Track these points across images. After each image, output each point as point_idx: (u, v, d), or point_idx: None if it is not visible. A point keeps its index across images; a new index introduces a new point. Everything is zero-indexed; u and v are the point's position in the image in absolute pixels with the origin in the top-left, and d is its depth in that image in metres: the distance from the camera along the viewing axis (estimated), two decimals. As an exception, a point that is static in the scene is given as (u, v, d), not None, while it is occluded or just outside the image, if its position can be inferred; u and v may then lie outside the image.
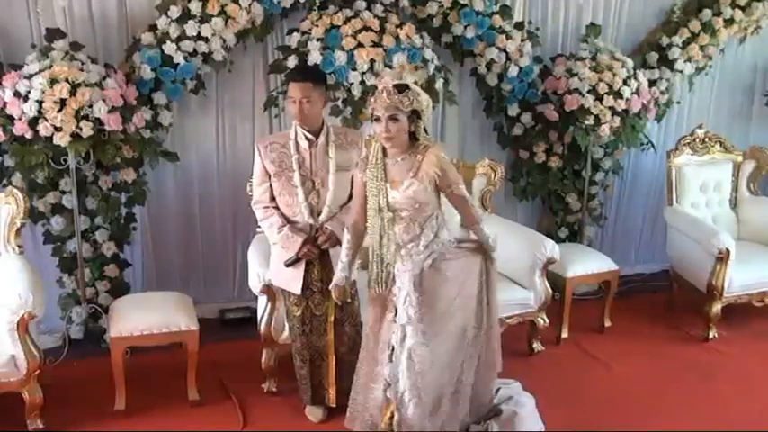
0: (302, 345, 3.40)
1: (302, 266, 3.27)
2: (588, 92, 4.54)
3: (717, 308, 4.35)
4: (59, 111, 3.58)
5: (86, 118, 3.64)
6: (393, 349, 3.04)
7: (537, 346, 4.20)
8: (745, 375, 4.00)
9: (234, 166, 4.49)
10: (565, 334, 4.38)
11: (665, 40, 5.03)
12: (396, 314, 3.02)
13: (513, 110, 4.75)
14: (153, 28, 4.02)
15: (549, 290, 4.04)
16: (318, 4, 4.19)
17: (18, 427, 3.29)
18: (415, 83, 2.95)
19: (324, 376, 3.44)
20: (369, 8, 4.21)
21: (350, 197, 3.31)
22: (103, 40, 4.13)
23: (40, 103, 3.59)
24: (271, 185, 3.28)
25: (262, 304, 3.64)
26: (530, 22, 4.82)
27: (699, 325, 4.44)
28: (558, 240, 4.69)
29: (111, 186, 4.09)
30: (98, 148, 3.80)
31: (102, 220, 4.10)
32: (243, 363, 3.87)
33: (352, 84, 4.05)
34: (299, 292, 3.30)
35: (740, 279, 4.35)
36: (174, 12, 3.97)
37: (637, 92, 4.62)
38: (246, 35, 4.18)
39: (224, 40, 4.07)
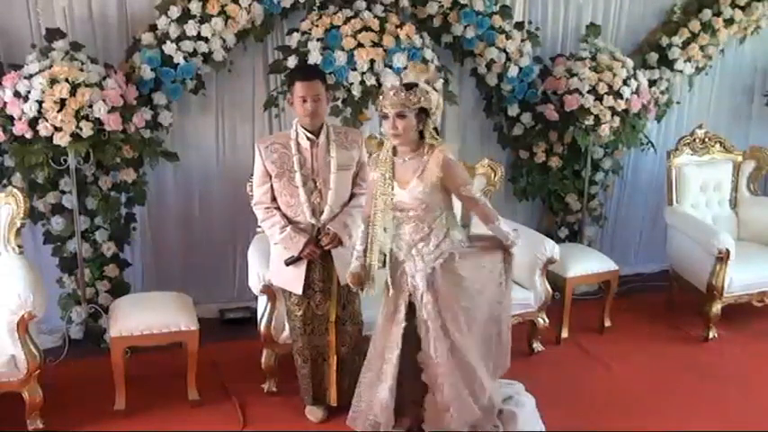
0: (303, 345, 3.39)
1: (303, 266, 3.27)
2: (588, 92, 4.54)
3: (717, 308, 4.35)
4: (59, 111, 3.58)
5: (86, 118, 3.64)
6: (401, 348, 3.07)
7: (537, 346, 4.20)
8: (745, 375, 4.00)
9: (234, 166, 4.49)
10: (565, 334, 4.38)
11: (665, 40, 5.03)
12: (405, 313, 3.06)
13: (513, 110, 4.75)
14: (153, 28, 4.02)
15: (549, 290, 4.05)
16: (318, 4, 4.19)
17: (18, 427, 3.29)
18: (427, 82, 2.96)
19: (325, 376, 3.44)
20: (369, 8, 4.21)
21: (351, 196, 3.32)
22: (103, 40, 4.13)
23: (40, 103, 3.59)
24: (272, 186, 3.28)
25: (262, 304, 3.64)
26: (530, 22, 4.82)
27: (699, 325, 4.44)
28: (558, 240, 4.69)
29: (111, 186, 4.09)
30: (98, 148, 3.79)
31: (102, 220, 4.10)
32: (243, 363, 3.87)
33: (352, 84, 4.05)
34: (300, 292, 3.30)
35: (740, 279, 4.35)
36: (174, 12, 3.97)
37: (637, 92, 4.62)
38: (246, 35, 4.18)
39: (224, 40, 4.07)
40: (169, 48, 3.96)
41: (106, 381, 3.51)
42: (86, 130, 3.64)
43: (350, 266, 3.15)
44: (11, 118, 3.66)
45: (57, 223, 4.01)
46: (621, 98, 4.55)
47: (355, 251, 3.16)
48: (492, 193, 4.33)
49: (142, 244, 4.50)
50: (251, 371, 3.71)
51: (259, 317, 3.65)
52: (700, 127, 4.92)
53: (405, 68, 4.03)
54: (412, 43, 4.13)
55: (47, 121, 3.60)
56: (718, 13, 5.02)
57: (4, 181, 3.97)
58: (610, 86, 4.54)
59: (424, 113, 2.92)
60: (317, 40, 4.06)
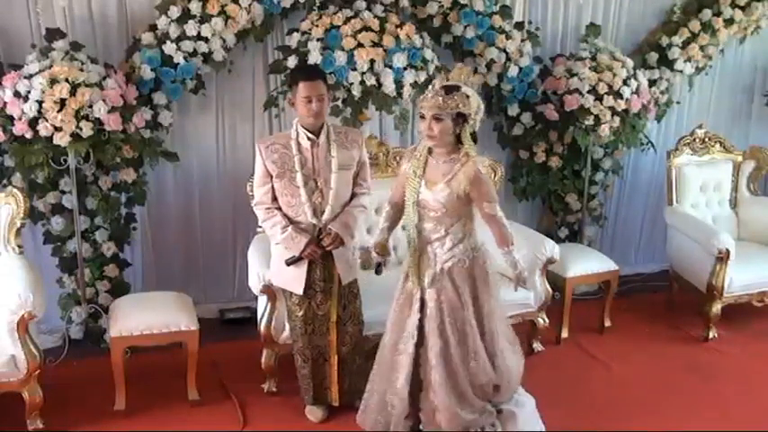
0: (304, 345, 3.39)
1: (304, 267, 3.26)
2: (588, 92, 4.54)
3: (717, 308, 4.35)
4: (59, 111, 3.58)
5: (86, 118, 3.64)
6: (416, 339, 3.11)
7: (537, 346, 4.20)
8: (745, 375, 4.00)
9: (234, 166, 4.49)
10: (565, 334, 4.38)
11: (665, 40, 5.04)
12: (420, 306, 3.10)
13: (513, 110, 4.75)
14: (153, 28, 4.02)
15: (549, 290, 4.05)
16: (318, 4, 4.19)
17: (18, 427, 3.29)
18: (466, 84, 2.99)
19: (326, 376, 3.44)
20: (369, 8, 4.20)
21: (352, 196, 3.32)
22: (103, 40, 4.13)
23: (40, 103, 3.59)
24: (272, 186, 3.27)
25: (262, 304, 3.64)
26: (530, 22, 4.82)
27: (699, 325, 4.44)
28: (558, 240, 4.69)
29: (111, 186, 4.09)
30: (98, 148, 3.79)
31: (102, 220, 4.09)
32: (243, 363, 3.87)
33: (352, 84, 4.05)
34: (301, 292, 3.29)
35: (740, 279, 4.35)
36: (174, 12, 3.97)
37: (637, 92, 4.62)
38: (246, 35, 4.18)
39: (224, 40, 4.07)
40: (169, 48, 3.96)
41: (106, 381, 3.51)
42: (86, 130, 3.64)
43: (376, 237, 3.23)
44: (11, 118, 3.66)
45: (57, 223, 4.01)
46: (621, 98, 4.55)
47: (379, 229, 3.23)
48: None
49: (142, 244, 4.50)
50: (251, 371, 3.71)
51: (259, 317, 3.65)
52: (700, 127, 4.93)
53: (405, 69, 4.05)
54: (412, 43, 4.12)
55: (47, 121, 3.60)
56: (718, 13, 5.03)
57: (4, 181, 3.97)
58: (610, 86, 4.54)
59: (461, 118, 2.93)
60: (317, 40, 4.06)
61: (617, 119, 4.60)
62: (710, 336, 4.39)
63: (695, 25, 5.00)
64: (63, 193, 3.98)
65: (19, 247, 3.55)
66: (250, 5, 4.03)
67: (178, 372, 3.61)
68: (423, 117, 2.95)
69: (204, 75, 4.18)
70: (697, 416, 3.57)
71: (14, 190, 3.59)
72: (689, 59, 5.06)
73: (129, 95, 3.86)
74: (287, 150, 3.22)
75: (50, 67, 3.66)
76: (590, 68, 4.59)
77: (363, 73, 4.03)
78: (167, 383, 3.68)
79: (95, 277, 4.14)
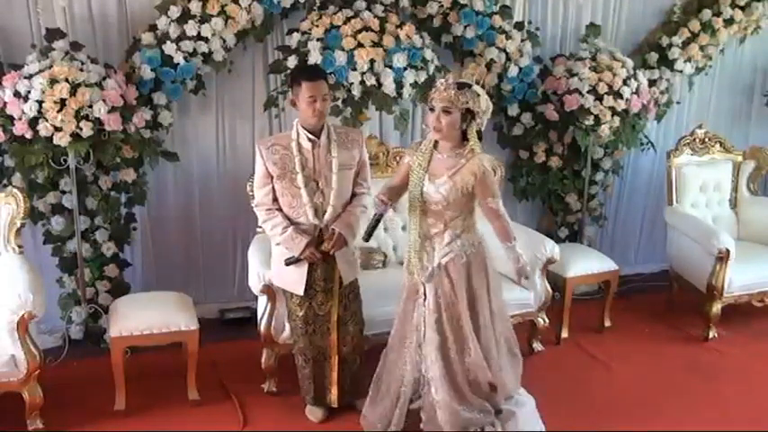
0: (305, 345, 3.39)
1: (305, 267, 3.26)
2: (588, 92, 4.54)
3: (717, 308, 4.35)
4: (59, 111, 3.58)
5: (86, 118, 3.64)
6: (422, 332, 3.15)
7: (537, 346, 4.20)
8: (746, 375, 4.00)
9: (234, 166, 4.49)
10: (565, 334, 4.38)
11: (665, 40, 5.04)
12: (425, 299, 3.13)
13: (513, 110, 4.75)
14: (153, 28, 4.02)
15: (549, 290, 4.05)
16: (318, 4, 4.20)
17: (18, 427, 3.29)
18: (477, 82, 3.03)
19: (326, 376, 3.44)
20: (369, 8, 4.20)
21: (353, 195, 3.32)
22: (103, 40, 4.12)
23: (40, 103, 3.59)
24: (273, 187, 3.27)
25: (262, 304, 3.64)
26: (530, 22, 4.82)
27: (699, 325, 4.44)
28: (558, 240, 4.69)
29: (111, 186, 4.09)
30: (98, 148, 3.79)
31: (102, 220, 4.09)
32: (243, 363, 3.86)
33: (352, 84, 4.05)
34: (302, 293, 3.29)
35: (740, 279, 4.36)
36: (174, 12, 3.97)
37: (637, 92, 4.62)
38: (246, 35, 4.17)
39: (224, 40, 4.06)
40: (169, 48, 3.96)
41: (106, 381, 3.51)
42: (86, 130, 3.64)
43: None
44: (11, 118, 3.66)
45: (57, 223, 4.01)
46: (621, 98, 4.55)
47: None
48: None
49: (142, 244, 4.50)
50: (251, 371, 3.71)
51: (259, 317, 3.65)
52: (700, 127, 4.93)
53: (405, 69, 4.05)
54: (412, 43, 4.12)
55: (47, 121, 3.60)
56: (718, 13, 5.03)
57: (4, 181, 3.97)
58: (610, 86, 4.54)
59: (469, 114, 2.98)
60: (317, 40, 4.06)
61: (617, 119, 4.60)
62: (710, 336, 4.39)
63: (695, 25, 5.01)
64: (63, 193, 3.98)
65: (19, 247, 3.55)
66: (250, 5, 4.03)
67: (178, 372, 3.61)
68: (432, 110, 3.00)
69: (204, 75, 4.18)
70: (697, 416, 3.57)
71: (14, 190, 3.59)
72: (689, 59, 5.06)
73: (129, 95, 3.86)
74: (287, 151, 3.22)
75: (50, 67, 3.66)
76: (590, 68, 4.59)
77: (363, 73, 4.03)
78: (167, 383, 3.68)
79: (95, 277, 4.14)
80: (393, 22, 4.16)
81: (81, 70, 3.68)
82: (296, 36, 4.16)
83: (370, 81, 4.03)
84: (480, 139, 3.06)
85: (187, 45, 3.98)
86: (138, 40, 4.03)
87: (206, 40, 4.00)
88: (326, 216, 3.24)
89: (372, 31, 4.06)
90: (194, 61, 4.03)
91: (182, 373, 3.58)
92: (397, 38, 4.09)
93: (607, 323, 4.51)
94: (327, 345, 3.39)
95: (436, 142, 3.09)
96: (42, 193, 3.97)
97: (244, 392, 3.68)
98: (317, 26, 4.08)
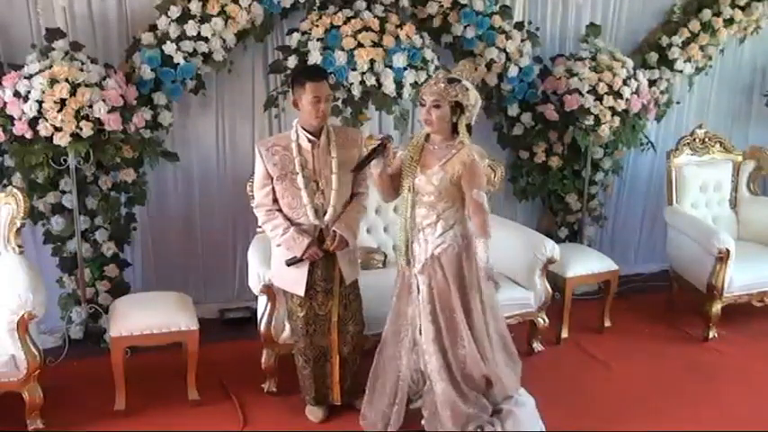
0: (306, 345, 3.39)
1: (305, 268, 3.26)
2: (588, 92, 4.54)
3: (717, 308, 4.35)
4: (59, 111, 3.58)
5: (86, 118, 3.63)
6: (417, 327, 3.18)
7: (537, 346, 4.20)
8: (745, 375, 4.00)
9: (234, 166, 4.49)
10: (565, 334, 4.38)
11: (664, 40, 5.04)
12: (418, 292, 3.16)
13: (513, 110, 4.75)
14: (153, 28, 4.01)
15: (549, 290, 4.04)
16: (318, 5, 4.19)
17: (18, 427, 3.29)
18: (467, 79, 3.10)
19: (327, 376, 3.44)
20: (369, 8, 4.20)
21: (352, 195, 3.32)
22: (103, 40, 4.13)
23: (40, 103, 3.59)
24: (273, 188, 3.26)
25: (262, 304, 3.64)
26: (530, 22, 4.82)
27: (699, 325, 4.44)
28: (558, 240, 4.69)
29: (111, 186, 4.09)
30: (98, 148, 3.79)
31: (102, 220, 4.09)
32: (243, 363, 3.86)
33: (352, 84, 4.05)
34: (302, 293, 3.29)
35: (740, 279, 4.35)
36: (174, 12, 3.97)
37: (637, 92, 4.62)
38: (246, 35, 4.17)
39: (224, 40, 4.06)
40: (169, 48, 3.96)
41: (106, 381, 3.51)
42: (86, 130, 3.64)
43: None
44: (11, 118, 3.66)
45: (57, 223, 4.01)
46: (621, 98, 4.55)
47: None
48: (492, 194, 4.33)
49: (142, 244, 4.50)
50: (251, 371, 3.71)
51: (259, 317, 3.65)
52: (700, 127, 4.93)
53: (405, 69, 4.06)
54: (412, 43, 4.12)
55: (47, 121, 3.60)
56: (718, 13, 5.03)
57: (4, 181, 3.97)
58: (610, 86, 4.54)
59: (459, 108, 3.05)
60: (317, 40, 4.06)
61: (617, 119, 4.60)
62: (710, 336, 4.39)
63: (695, 25, 5.01)
64: (63, 193, 3.98)
65: (19, 247, 3.55)
66: (250, 5, 4.03)
67: (178, 372, 3.61)
68: (423, 104, 3.08)
69: (204, 75, 4.17)
70: (697, 416, 3.57)
71: (14, 190, 3.59)
72: (689, 59, 5.06)
73: (129, 95, 3.86)
74: (287, 152, 3.22)
75: (50, 67, 3.65)
76: (590, 68, 4.58)
77: (363, 73, 4.03)
78: (167, 383, 3.68)
79: (95, 277, 4.14)
80: (393, 22, 4.16)
81: (81, 70, 3.68)
82: (296, 36, 4.16)
83: (370, 81, 4.03)
84: (470, 132, 3.13)
85: (187, 45, 3.97)
86: (138, 40, 4.03)
87: (206, 40, 4.00)
88: (327, 216, 3.24)
89: (372, 31, 4.06)
90: (194, 61, 4.03)
91: (182, 373, 3.58)
92: (397, 38, 4.09)
93: (607, 323, 4.51)
94: (328, 345, 3.39)
95: (428, 136, 3.15)
96: (42, 193, 3.97)
97: (244, 392, 3.68)
98: (317, 26, 4.08)
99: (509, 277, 4.04)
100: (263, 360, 3.63)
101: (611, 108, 4.54)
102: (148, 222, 4.48)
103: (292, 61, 4.13)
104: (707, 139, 4.90)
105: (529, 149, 4.90)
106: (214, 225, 4.60)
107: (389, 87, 4.06)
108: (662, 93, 5.09)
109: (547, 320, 4.10)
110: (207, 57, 4.06)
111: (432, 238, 3.13)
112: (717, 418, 3.56)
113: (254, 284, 3.56)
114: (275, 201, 3.28)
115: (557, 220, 5.10)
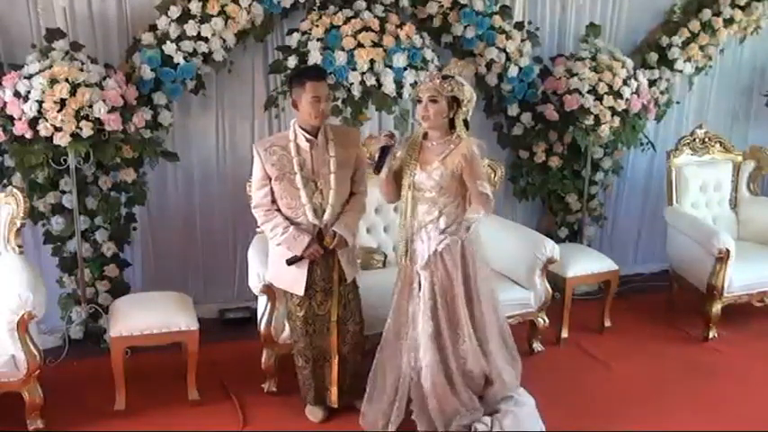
0: (305, 345, 3.39)
1: (305, 267, 3.26)
2: (588, 92, 4.54)
3: (717, 308, 4.35)
4: (59, 111, 3.58)
5: (86, 118, 3.64)
6: (418, 321, 3.17)
7: (537, 346, 4.20)
8: (745, 375, 4.00)
9: (234, 166, 4.49)
10: (565, 334, 4.38)
11: (664, 40, 5.04)
12: (420, 289, 3.16)
13: (513, 110, 4.75)
14: (153, 28, 4.02)
15: (549, 290, 4.04)
16: (318, 4, 4.19)
17: (18, 427, 3.29)
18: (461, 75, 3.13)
19: (326, 376, 3.44)
20: (369, 8, 4.21)
21: (351, 195, 3.32)
22: (103, 40, 4.13)
23: (40, 103, 3.59)
24: (271, 188, 3.27)
25: (262, 304, 3.64)
26: (530, 22, 4.82)
27: (699, 325, 4.44)
28: (558, 240, 4.69)
29: (111, 186, 4.09)
30: (98, 148, 3.79)
31: (102, 220, 4.09)
32: (243, 363, 3.86)
33: (352, 84, 4.05)
34: (302, 293, 3.29)
35: (740, 279, 4.35)
36: (174, 12, 3.97)
37: (637, 92, 4.62)
38: (246, 35, 4.18)
39: (224, 40, 4.06)
40: (169, 48, 3.96)
41: (106, 381, 3.51)
42: (86, 130, 3.64)
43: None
44: (11, 118, 3.66)
45: (57, 223, 4.01)
46: (621, 98, 4.56)
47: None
48: (492, 194, 4.33)
49: (142, 244, 4.50)
50: (251, 371, 3.71)
51: (259, 317, 3.65)
52: (700, 127, 4.93)
53: (405, 69, 4.06)
54: (412, 43, 4.13)
55: (47, 121, 3.60)
56: (718, 13, 5.03)
57: (4, 181, 3.97)
58: (610, 86, 4.54)
59: (455, 103, 3.09)
60: (317, 40, 4.06)
61: (617, 119, 4.60)
62: (710, 336, 4.39)
63: (695, 25, 5.01)
64: (63, 193, 3.98)
65: (19, 247, 3.55)
66: (250, 5, 4.03)
67: (178, 372, 3.61)
68: (419, 101, 3.11)
69: (204, 75, 4.18)
70: (697, 416, 3.57)
71: (14, 190, 3.59)
72: (689, 59, 5.06)
73: (129, 95, 3.85)
74: (285, 152, 3.22)
75: (50, 67, 3.66)
76: (590, 68, 4.59)
77: (363, 73, 4.03)
78: (167, 383, 3.68)
79: (95, 277, 4.14)
80: (393, 22, 4.17)
81: (81, 70, 3.68)
82: (296, 36, 4.16)
83: (370, 81, 4.03)
84: (468, 128, 3.15)
85: (187, 45, 3.98)
86: (138, 40, 4.03)
87: (206, 40, 4.00)
88: (326, 216, 3.24)
89: (372, 31, 4.07)
90: (194, 61, 4.03)
91: (182, 373, 3.58)
92: (397, 38, 4.09)
93: (607, 323, 4.51)
94: (327, 345, 3.39)
95: (425, 133, 3.17)
96: (42, 193, 3.97)
97: (244, 392, 3.68)
98: (317, 26, 4.08)
99: (509, 277, 4.05)
100: (263, 360, 3.63)
101: (611, 108, 4.55)
102: (148, 222, 4.48)
103: (292, 61, 4.13)
104: (707, 139, 4.90)
105: (529, 149, 4.90)
106: (214, 225, 4.60)
107: (389, 87, 4.06)
108: (662, 93, 5.10)
109: (547, 320, 4.10)
110: (207, 57, 4.06)
111: (434, 234, 3.14)
112: (717, 418, 3.56)
113: (254, 284, 3.56)
114: (274, 201, 3.28)
115: (557, 220, 5.10)
